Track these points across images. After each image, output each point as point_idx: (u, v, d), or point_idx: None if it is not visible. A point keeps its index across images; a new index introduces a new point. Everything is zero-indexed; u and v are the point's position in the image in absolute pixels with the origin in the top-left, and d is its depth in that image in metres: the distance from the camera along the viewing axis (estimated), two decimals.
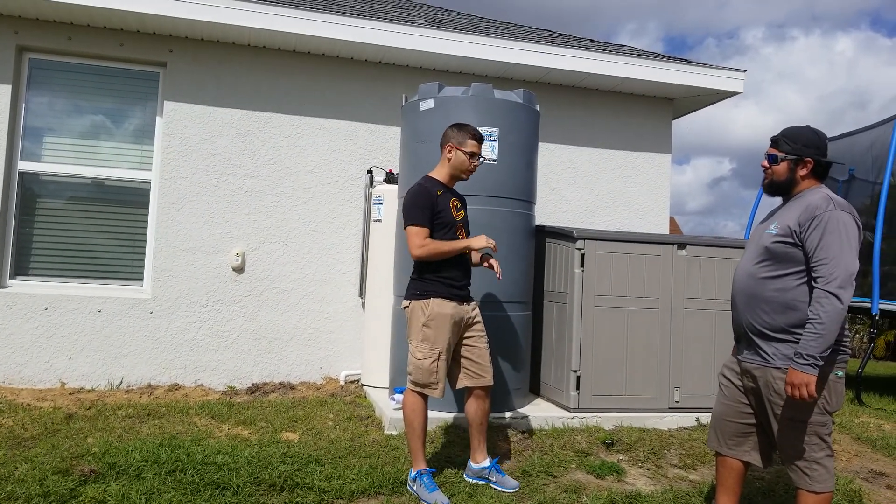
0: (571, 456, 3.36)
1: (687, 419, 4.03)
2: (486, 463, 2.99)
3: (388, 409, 3.83)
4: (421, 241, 2.83)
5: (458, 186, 3.11)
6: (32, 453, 3.03)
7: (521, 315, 4.03)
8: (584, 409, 3.91)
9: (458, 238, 2.95)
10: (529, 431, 3.71)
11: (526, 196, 4.07)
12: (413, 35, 4.79)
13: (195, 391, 4.54)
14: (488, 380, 2.99)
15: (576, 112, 5.55)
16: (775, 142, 2.43)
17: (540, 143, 4.45)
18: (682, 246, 4.13)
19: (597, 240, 3.99)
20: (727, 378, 2.54)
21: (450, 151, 2.99)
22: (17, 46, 4.57)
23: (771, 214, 2.50)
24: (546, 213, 5.35)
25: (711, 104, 5.85)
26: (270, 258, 4.90)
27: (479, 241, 2.86)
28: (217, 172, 4.83)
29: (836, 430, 4.14)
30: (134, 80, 4.85)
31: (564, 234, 4.10)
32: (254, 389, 4.65)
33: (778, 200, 2.52)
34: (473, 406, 3.00)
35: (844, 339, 2.32)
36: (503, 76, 5.32)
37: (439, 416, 3.65)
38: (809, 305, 2.25)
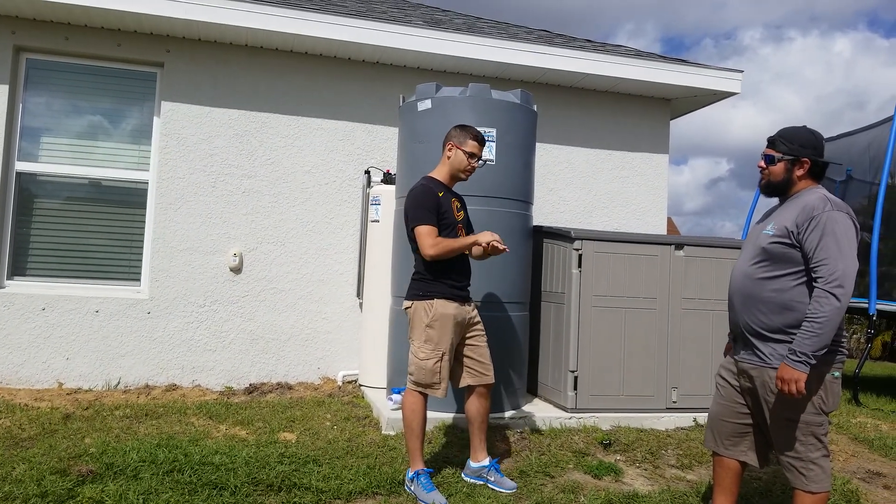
0: (569, 456, 3.37)
1: (684, 419, 4.03)
2: (486, 462, 3.00)
3: (386, 409, 3.83)
4: (433, 241, 2.83)
5: (457, 186, 3.11)
6: (30, 453, 3.02)
7: (519, 315, 4.03)
8: (581, 409, 3.91)
9: (459, 237, 2.97)
10: (527, 431, 3.72)
11: (523, 196, 4.07)
12: (410, 35, 4.80)
13: (193, 391, 4.54)
14: (490, 378, 3.02)
15: (573, 112, 5.56)
16: (772, 142, 2.43)
17: (537, 144, 4.45)
18: (679, 246, 4.14)
19: (594, 240, 4.00)
20: (724, 378, 2.54)
21: (450, 150, 3.00)
22: (14, 46, 4.56)
23: (768, 215, 2.50)
24: (543, 214, 5.35)
25: (709, 104, 5.86)
26: (268, 258, 4.90)
27: (486, 237, 2.85)
28: (214, 173, 4.83)
29: (833, 430, 4.14)
30: (131, 80, 4.84)
31: (562, 235, 4.10)
32: (251, 390, 4.65)
33: (774, 200, 2.52)
34: (475, 404, 3.01)
35: (842, 340, 2.32)
36: (500, 76, 5.33)
37: (437, 417, 3.65)
38: (806, 306, 2.25)
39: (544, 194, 5.38)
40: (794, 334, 2.26)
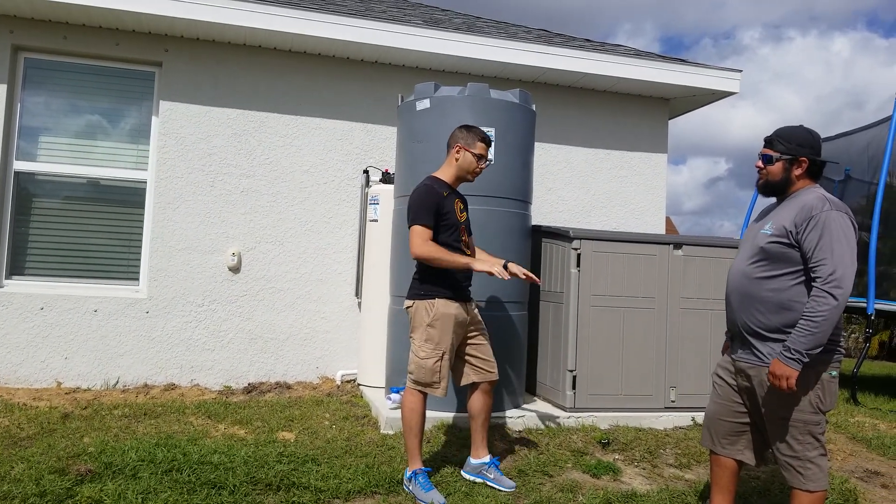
0: (567, 455, 3.37)
1: (683, 419, 4.04)
2: (487, 459, 3.01)
3: (385, 408, 3.83)
4: (423, 242, 2.84)
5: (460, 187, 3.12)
6: (28, 453, 3.02)
7: (518, 315, 4.03)
8: (580, 408, 3.91)
9: (462, 240, 2.98)
10: (526, 431, 3.72)
11: (522, 196, 4.07)
12: (409, 35, 4.79)
13: (191, 391, 4.54)
14: (494, 374, 3.04)
15: (572, 112, 5.56)
16: (769, 142, 2.43)
17: (536, 143, 4.46)
18: (678, 246, 4.14)
19: (593, 240, 4.00)
20: (721, 377, 2.55)
21: (458, 152, 3.00)
22: (12, 46, 4.56)
23: (765, 213, 2.50)
24: (542, 213, 5.36)
25: (708, 104, 5.87)
26: (266, 258, 4.90)
27: (482, 266, 2.81)
28: (213, 172, 4.83)
29: (831, 429, 4.15)
30: (130, 79, 4.84)
31: (561, 234, 4.11)
32: (250, 389, 4.65)
33: (772, 199, 2.52)
34: (479, 401, 3.02)
35: (839, 339, 2.33)
36: (499, 76, 5.33)
37: (437, 416, 3.65)
38: (804, 305, 2.26)
39: (543, 194, 5.39)
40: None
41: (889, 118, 5.78)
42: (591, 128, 5.61)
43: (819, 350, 2.20)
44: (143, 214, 4.80)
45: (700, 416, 4.00)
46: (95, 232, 4.73)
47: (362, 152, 5.12)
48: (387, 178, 4.71)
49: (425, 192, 2.92)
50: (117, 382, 4.58)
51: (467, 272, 2.98)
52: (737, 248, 4.10)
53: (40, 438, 3.28)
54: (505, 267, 3.05)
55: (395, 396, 3.83)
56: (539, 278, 3.05)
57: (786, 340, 2.28)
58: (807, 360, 2.18)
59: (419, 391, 2.90)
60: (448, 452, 3.32)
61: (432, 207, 2.87)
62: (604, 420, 3.89)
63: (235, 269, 4.83)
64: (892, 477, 3.41)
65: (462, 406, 3.76)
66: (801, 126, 2.43)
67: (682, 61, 5.49)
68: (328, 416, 3.92)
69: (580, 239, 3.97)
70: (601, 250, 3.99)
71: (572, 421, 3.86)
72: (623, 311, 4.01)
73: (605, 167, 5.64)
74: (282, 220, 4.94)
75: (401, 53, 4.93)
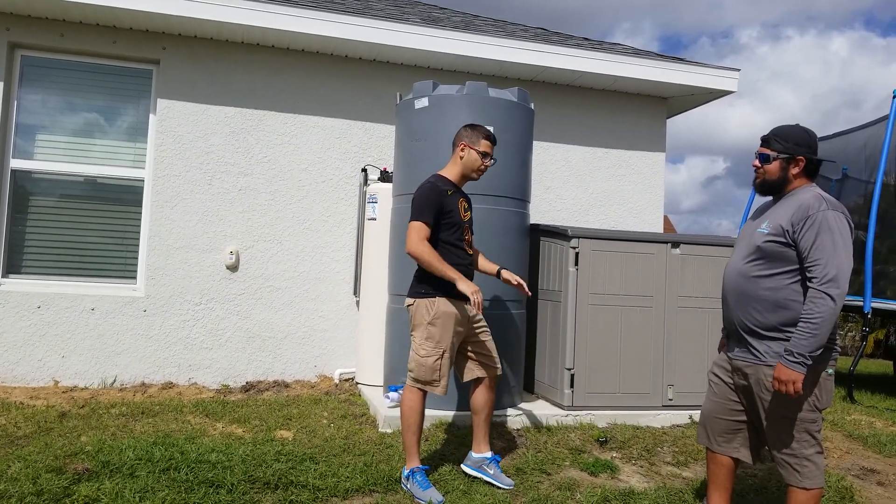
0: (565, 453, 3.38)
1: (680, 417, 4.05)
2: (489, 454, 3.02)
3: (383, 407, 3.83)
4: (419, 240, 2.84)
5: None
6: (25, 452, 3.02)
7: (516, 313, 4.04)
8: (577, 406, 3.92)
9: (465, 239, 3.00)
10: (524, 429, 3.72)
11: (520, 195, 4.07)
12: (408, 33, 4.79)
13: (189, 389, 4.54)
14: (498, 369, 3.07)
15: (570, 110, 5.56)
16: (766, 141, 2.44)
17: (534, 142, 4.45)
18: (675, 245, 4.15)
19: (591, 238, 4.00)
20: (717, 375, 2.55)
21: (462, 150, 3.01)
22: (8, 43, 4.54)
23: (762, 212, 2.50)
24: (541, 212, 5.36)
25: (706, 103, 5.87)
26: (264, 256, 4.89)
27: (463, 287, 2.80)
28: (211, 170, 4.82)
29: (828, 427, 4.16)
30: (127, 77, 4.82)
31: (559, 233, 4.11)
32: (248, 388, 4.64)
33: (768, 198, 2.53)
34: (482, 396, 3.03)
35: (835, 338, 2.33)
36: (498, 74, 5.33)
37: (435, 414, 3.65)
38: (800, 304, 2.26)
39: (541, 192, 5.39)
40: (789, 332, 2.28)
41: (886, 117, 5.79)
42: (589, 126, 5.61)
43: (820, 350, 2.21)
44: (140, 213, 4.79)
45: (697, 414, 4.00)
46: (93, 230, 4.72)
47: (360, 151, 5.11)
48: (385, 176, 4.71)
49: (429, 189, 2.92)
50: (115, 381, 4.57)
51: (467, 272, 2.98)
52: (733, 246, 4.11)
53: (37, 437, 3.27)
54: (499, 273, 3.13)
55: (393, 395, 3.84)
56: (525, 286, 3.12)
57: (782, 339, 2.29)
58: (811, 362, 2.18)
59: (419, 389, 2.90)
60: (446, 451, 3.32)
61: (434, 205, 2.87)
62: (602, 418, 3.90)
63: (233, 268, 4.83)
64: (888, 474, 3.43)
65: (461, 404, 3.77)
66: (797, 125, 2.44)
67: (681, 60, 5.49)
68: (326, 415, 3.92)
69: (578, 238, 3.97)
70: (599, 249, 4.00)
71: (570, 419, 3.86)
72: (621, 309, 4.02)
73: (603, 166, 5.65)
74: (280, 218, 4.93)
75: (399, 51, 4.93)
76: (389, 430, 3.60)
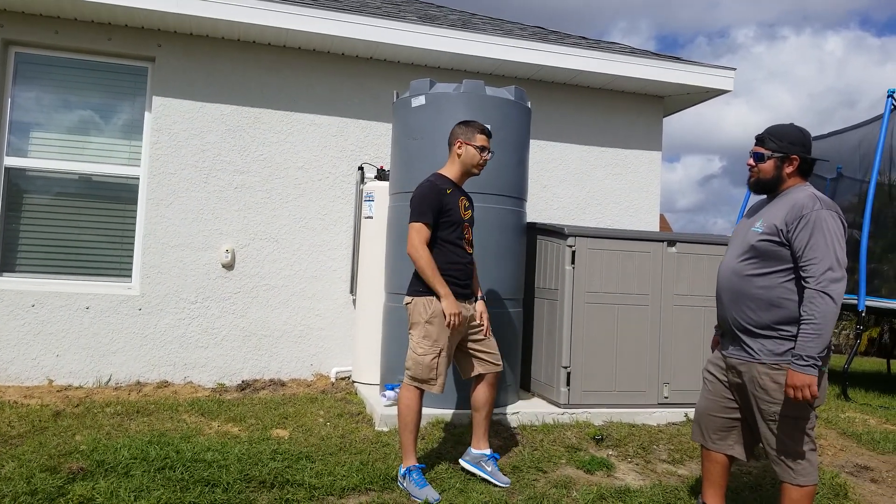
0: (561, 451, 3.38)
1: (676, 415, 4.06)
2: (488, 452, 3.03)
3: (379, 405, 3.83)
4: (420, 243, 2.85)
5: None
6: (19, 451, 3.00)
7: (513, 312, 4.04)
8: (574, 404, 3.93)
9: (465, 237, 2.99)
10: (520, 427, 3.73)
11: (517, 193, 4.07)
12: (405, 31, 4.78)
13: (184, 388, 4.52)
14: (500, 366, 3.08)
15: (567, 109, 5.56)
16: (761, 140, 2.44)
17: (531, 140, 4.46)
18: (671, 243, 4.16)
19: (587, 237, 4.01)
20: (711, 373, 2.56)
21: (459, 148, 3.00)
22: (2, 40, 4.51)
23: (756, 210, 2.51)
24: (537, 211, 5.36)
25: (702, 102, 5.89)
26: (260, 255, 4.88)
27: (449, 307, 2.82)
28: (206, 168, 4.80)
29: (822, 424, 4.18)
30: (122, 74, 4.80)
31: (555, 231, 4.11)
32: (244, 386, 4.63)
33: (762, 196, 2.54)
34: (483, 393, 3.04)
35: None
36: (495, 73, 5.32)
37: (432, 413, 3.66)
38: (794, 302, 2.27)
39: (538, 191, 5.39)
40: (782, 330, 2.29)
41: (880, 117, 5.82)
42: (585, 125, 5.62)
43: (826, 350, 2.21)
44: (135, 211, 4.77)
45: (693, 412, 4.02)
46: (87, 228, 4.70)
47: (357, 149, 5.11)
48: (382, 174, 4.70)
49: (428, 188, 2.92)
50: (109, 380, 4.55)
51: (466, 271, 2.98)
52: None
53: (31, 436, 3.26)
54: (476, 299, 3.09)
55: (389, 393, 3.83)
56: (487, 327, 3.08)
57: (776, 337, 2.29)
58: (821, 363, 2.18)
59: (416, 387, 2.90)
60: (443, 449, 3.32)
61: (433, 205, 2.87)
62: (598, 416, 3.91)
63: (229, 266, 4.82)
64: (882, 471, 3.44)
65: (459, 403, 3.77)
66: (791, 124, 2.45)
67: (677, 59, 5.50)
68: (322, 414, 3.92)
69: (575, 236, 3.98)
70: (596, 247, 4.00)
71: (566, 417, 3.87)
72: (617, 307, 4.03)
73: (599, 164, 5.66)
74: (276, 216, 4.92)
75: (396, 50, 4.92)
76: (386, 429, 3.60)
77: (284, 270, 4.92)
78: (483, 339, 3.05)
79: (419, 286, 2.92)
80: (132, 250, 4.76)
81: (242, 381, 4.73)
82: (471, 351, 3.04)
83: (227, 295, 4.80)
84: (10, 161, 4.58)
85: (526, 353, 4.35)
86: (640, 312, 4.06)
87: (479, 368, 3.03)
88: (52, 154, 4.68)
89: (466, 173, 3.04)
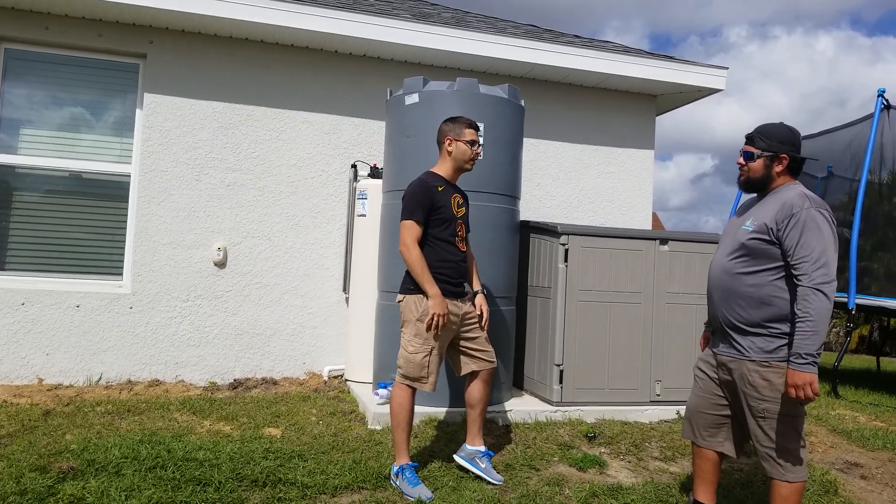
0: (554, 449, 3.39)
1: (668, 412, 4.08)
2: (482, 449, 3.03)
3: (372, 404, 3.82)
4: (412, 242, 2.85)
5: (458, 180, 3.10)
6: (9, 451, 2.98)
7: (506, 310, 4.05)
8: (566, 402, 3.94)
9: (458, 234, 2.98)
10: (513, 425, 3.74)
11: (510, 191, 4.08)
12: (398, 29, 4.77)
13: (176, 387, 4.50)
14: (494, 363, 3.08)
15: (560, 107, 5.57)
16: (751, 139, 2.46)
17: (525, 139, 4.46)
18: (664, 241, 4.17)
19: (580, 235, 4.02)
20: (702, 371, 2.58)
21: (449, 145, 3.00)
22: None
23: (746, 209, 2.52)
24: (530, 209, 5.37)
25: (694, 101, 5.91)
26: (253, 253, 4.86)
27: (435, 307, 2.82)
28: (198, 166, 4.77)
29: (813, 421, 4.22)
30: (113, 71, 4.77)
31: (548, 230, 4.12)
32: (236, 385, 4.62)
33: (753, 195, 2.55)
34: (478, 390, 3.04)
35: None
36: (488, 71, 5.32)
37: (425, 411, 3.65)
38: (785, 300, 2.28)
39: (531, 189, 5.40)
40: (772, 328, 2.30)
41: (871, 116, 5.86)
42: (578, 123, 5.63)
43: (822, 347, 2.22)
44: (126, 208, 4.74)
45: (685, 410, 4.04)
46: (78, 226, 4.66)
47: (350, 147, 5.09)
48: (375, 172, 4.69)
49: (418, 186, 2.92)
50: (100, 379, 4.53)
51: (459, 269, 2.98)
52: None
53: (21, 436, 3.23)
54: (475, 293, 3.10)
55: (382, 392, 3.83)
56: (486, 319, 3.08)
57: (765, 335, 2.31)
58: (818, 360, 2.20)
59: (407, 386, 2.90)
60: (436, 447, 3.32)
61: (423, 202, 2.87)
62: (590, 414, 3.92)
63: (221, 265, 4.79)
64: (872, 468, 3.47)
65: (452, 401, 3.77)
66: (781, 123, 2.46)
67: (670, 58, 5.52)
68: (315, 412, 3.91)
69: (568, 234, 3.99)
70: (588, 245, 4.01)
71: (559, 415, 3.88)
72: (610, 305, 4.04)
73: (592, 163, 5.67)
74: (268, 214, 4.90)
75: (389, 47, 4.91)
76: (379, 427, 3.60)
77: (277, 268, 4.90)
78: (476, 337, 3.04)
79: (410, 284, 2.91)
80: (123, 248, 4.73)
81: (234, 380, 4.71)
82: (464, 348, 3.03)
83: (219, 293, 4.78)
84: (0, 158, 4.54)
85: (519, 351, 4.35)
86: (632, 310, 4.07)
87: (472, 366, 3.04)
88: (42, 151, 4.63)
89: (459, 169, 3.04)
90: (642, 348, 4.08)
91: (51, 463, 2.82)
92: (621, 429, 3.74)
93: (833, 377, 5.36)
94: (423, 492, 2.73)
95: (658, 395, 4.10)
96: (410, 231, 2.86)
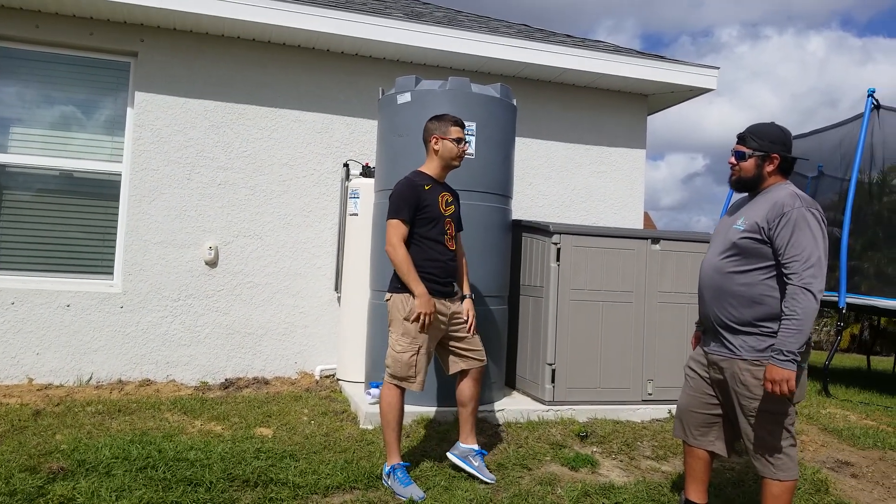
0: (546, 448, 3.39)
1: (659, 411, 4.09)
2: (475, 447, 3.02)
3: (364, 403, 3.82)
4: (398, 241, 2.85)
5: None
6: None
7: (498, 309, 4.05)
8: (559, 401, 3.94)
9: (447, 233, 2.97)
10: (505, 424, 3.74)
11: (503, 190, 4.08)
12: (390, 28, 4.76)
13: (167, 387, 4.48)
14: (483, 361, 3.07)
15: (552, 107, 5.58)
16: (742, 139, 2.47)
17: (517, 138, 4.46)
18: (655, 241, 4.19)
19: (572, 234, 4.02)
20: (693, 370, 2.59)
21: (435, 143, 2.99)
22: None
23: (737, 208, 2.54)
24: (522, 208, 5.37)
25: (686, 101, 5.93)
26: (244, 252, 4.84)
27: (421, 306, 2.80)
28: (189, 165, 4.75)
29: (803, 420, 4.24)
30: (104, 69, 4.73)
31: (540, 229, 4.12)
32: (227, 385, 4.60)
33: (744, 194, 2.56)
34: (468, 389, 3.03)
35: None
36: (480, 70, 5.32)
37: (416, 410, 3.65)
38: (776, 299, 2.30)
39: (523, 188, 5.40)
40: (763, 326, 2.31)
41: (861, 115, 5.90)
42: (571, 123, 5.64)
43: (806, 346, 2.24)
44: (117, 207, 4.71)
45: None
46: (69, 225, 4.63)
47: (342, 145, 5.08)
48: (367, 171, 4.68)
49: (404, 185, 2.92)
50: (91, 378, 4.50)
51: (447, 269, 2.97)
52: None
53: (10, 436, 3.21)
54: (462, 297, 3.07)
55: (374, 391, 3.83)
56: (471, 324, 3.05)
57: (757, 333, 2.32)
58: (800, 358, 2.21)
59: (396, 385, 2.90)
60: (427, 447, 3.32)
61: (409, 201, 2.87)
62: (582, 413, 3.93)
63: (212, 264, 4.77)
64: (862, 467, 3.50)
65: (443, 400, 3.77)
66: (772, 123, 2.48)
67: (661, 58, 5.54)
68: (307, 412, 3.90)
69: (560, 233, 3.99)
70: (580, 245, 4.02)
71: (551, 414, 3.89)
72: (602, 304, 4.05)
73: (584, 162, 5.68)
74: (260, 213, 4.89)
75: (381, 46, 4.90)
76: (370, 427, 3.59)
77: (268, 268, 4.89)
78: (465, 337, 3.04)
79: (398, 283, 2.91)
80: (114, 247, 4.70)
81: (226, 380, 4.69)
82: (453, 348, 3.03)
83: (211, 292, 4.76)
84: None
85: (511, 350, 4.36)
86: (624, 309, 4.08)
87: (461, 365, 3.03)
88: (32, 150, 4.60)
89: (447, 167, 3.03)
90: (634, 347, 4.10)
91: (41, 463, 2.80)
92: (613, 428, 3.75)
93: (824, 376, 5.40)
94: (415, 491, 2.73)
95: (650, 394, 4.12)
96: (396, 230, 2.86)
